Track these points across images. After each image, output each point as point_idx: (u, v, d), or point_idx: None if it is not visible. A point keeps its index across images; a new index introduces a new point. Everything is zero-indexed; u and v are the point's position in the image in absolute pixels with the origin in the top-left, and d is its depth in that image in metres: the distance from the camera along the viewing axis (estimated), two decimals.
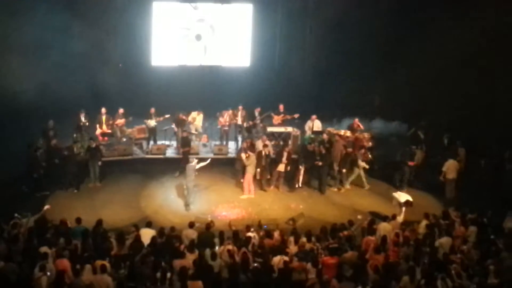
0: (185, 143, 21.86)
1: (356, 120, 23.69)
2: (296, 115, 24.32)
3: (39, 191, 19.56)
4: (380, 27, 26.37)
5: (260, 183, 21.08)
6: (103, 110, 23.01)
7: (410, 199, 18.35)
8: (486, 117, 22.75)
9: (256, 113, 24.23)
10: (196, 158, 20.04)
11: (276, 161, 20.99)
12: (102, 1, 26.06)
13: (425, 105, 25.35)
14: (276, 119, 24.29)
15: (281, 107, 24.54)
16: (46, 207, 16.21)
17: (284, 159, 20.62)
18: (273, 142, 22.42)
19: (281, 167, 20.77)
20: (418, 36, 25.21)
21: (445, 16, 24.29)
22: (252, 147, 21.10)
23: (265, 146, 20.90)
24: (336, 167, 21.57)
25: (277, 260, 13.71)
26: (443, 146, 23.01)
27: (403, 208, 18.06)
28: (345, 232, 15.46)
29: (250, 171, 20.23)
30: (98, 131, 22.78)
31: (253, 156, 20.23)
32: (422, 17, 25.37)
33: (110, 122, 22.97)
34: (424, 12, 25.42)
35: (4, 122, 21.70)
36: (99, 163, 20.51)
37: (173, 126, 23.45)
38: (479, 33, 22.46)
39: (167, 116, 23.46)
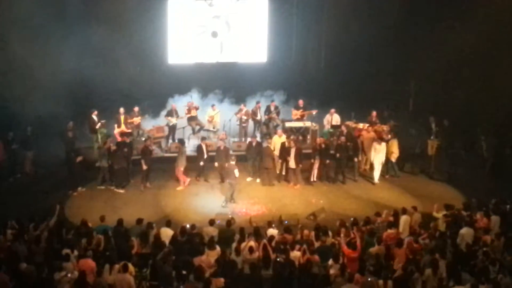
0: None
1: (374, 113, 23.53)
2: (315, 111, 24.34)
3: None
4: (397, 18, 26.13)
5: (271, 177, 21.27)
6: (121, 110, 22.91)
7: None
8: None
9: (272, 108, 24.34)
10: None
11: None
12: None
13: (439, 97, 25.36)
14: (295, 114, 24.24)
15: (301, 102, 24.57)
16: (57, 207, 16.21)
17: (292, 155, 20.69)
18: (292, 137, 22.21)
19: (291, 164, 20.83)
20: (437, 27, 24.92)
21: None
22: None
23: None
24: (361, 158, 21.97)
25: (295, 254, 13.76)
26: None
27: None
28: (368, 226, 15.38)
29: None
30: (116, 131, 22.72)
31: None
32: (443, 8, 25.09)
33: (128, 121, 22.98)
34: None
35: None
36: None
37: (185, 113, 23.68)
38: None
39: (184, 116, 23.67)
